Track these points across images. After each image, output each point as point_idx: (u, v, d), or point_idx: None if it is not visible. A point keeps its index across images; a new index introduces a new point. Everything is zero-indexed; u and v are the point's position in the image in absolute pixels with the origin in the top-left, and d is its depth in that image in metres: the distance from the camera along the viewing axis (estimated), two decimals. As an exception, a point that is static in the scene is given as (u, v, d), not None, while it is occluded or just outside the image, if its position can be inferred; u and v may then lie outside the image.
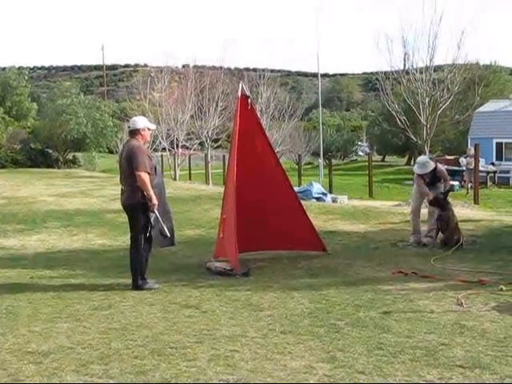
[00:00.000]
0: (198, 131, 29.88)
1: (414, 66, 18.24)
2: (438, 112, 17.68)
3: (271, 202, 8.08)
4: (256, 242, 8.07)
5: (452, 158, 28.74)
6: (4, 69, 49.61)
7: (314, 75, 56.26)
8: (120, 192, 6.80)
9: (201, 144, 31.93)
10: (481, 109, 29.56)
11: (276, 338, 4.75)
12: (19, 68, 51.50)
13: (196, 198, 17.13)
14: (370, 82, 78.96)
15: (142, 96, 30.40)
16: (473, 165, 18.56)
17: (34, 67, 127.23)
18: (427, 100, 17.45)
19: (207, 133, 29.35)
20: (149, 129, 6.84)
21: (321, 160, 30.09)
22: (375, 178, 23.39)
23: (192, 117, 29.79)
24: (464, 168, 23.01)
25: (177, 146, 30.03)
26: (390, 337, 4.68)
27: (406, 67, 18.87)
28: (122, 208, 6.84)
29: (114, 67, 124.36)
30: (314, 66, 60.17)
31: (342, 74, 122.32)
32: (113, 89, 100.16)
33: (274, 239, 8.21)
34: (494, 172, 26.10)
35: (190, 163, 31.18)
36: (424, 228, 9.31)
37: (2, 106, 42.86)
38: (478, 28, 48.81)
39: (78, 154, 44.00)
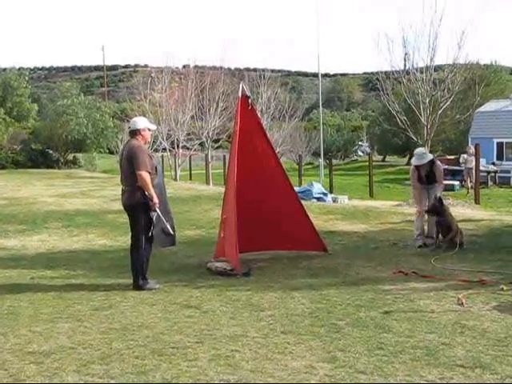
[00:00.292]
0: (199, 131, 29.90)
1: (415, 66, 18.29)
2: (439, 112, 17.71)
3: (271, 202, 8.07)
4: (256, 241, 8.06)
5: (453, 157, 28.77)
6: (4, 70, 49.73)
7: (315, 75, 56.20)
8: (121, 192, 6.80)
9: (201, 144, 31.92)
10: (481, 109, 29.56)
11: (277, 337, 4.75)
12: (20, 69, 51.78)
13: (196, 198, 17.14)
14: (371, 82, 78.76)
15: (142, 96, 30.37)
16: (472, 163, 18.59)
17: (35, 68, 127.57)
18: (428, 100, 17.48)
19: (207, 133, 29.38)
20: (149, 129, 6.85)
21: (321, 160, 30.08)
22: (376, 178, 23.37)
23: (192, 117, 29.81)
24: (463, 166, 23.01)
25: (177, 146, 30.03)
26: (391, 336, 4.68)
27: (407, 67, 18.91)
28: (122, 208, 6.85)
29: (114, 68, 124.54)
30: (315, 66, 60.06)
31: (342, 74, 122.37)
32: (113, 89, 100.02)
33: (275, 239, 8.21)
34: (495, 172, 26.09)
35: (190, 163, 31.19)
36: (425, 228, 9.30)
37: (3, 106, 42.96)
38: (479, 28, 48.95)
39: (79, 155, 44.08)
